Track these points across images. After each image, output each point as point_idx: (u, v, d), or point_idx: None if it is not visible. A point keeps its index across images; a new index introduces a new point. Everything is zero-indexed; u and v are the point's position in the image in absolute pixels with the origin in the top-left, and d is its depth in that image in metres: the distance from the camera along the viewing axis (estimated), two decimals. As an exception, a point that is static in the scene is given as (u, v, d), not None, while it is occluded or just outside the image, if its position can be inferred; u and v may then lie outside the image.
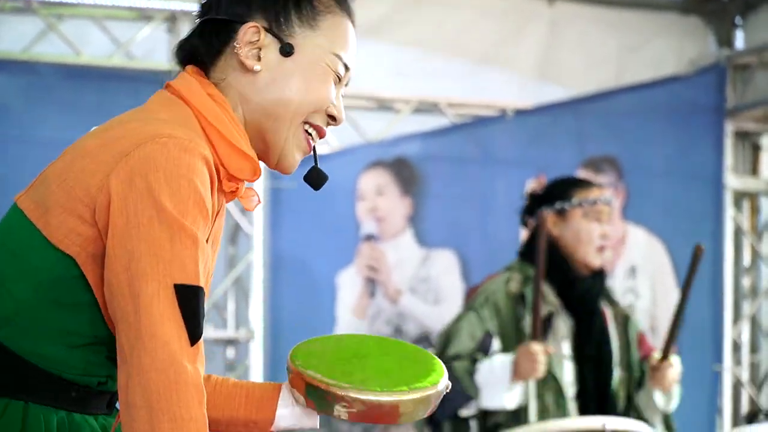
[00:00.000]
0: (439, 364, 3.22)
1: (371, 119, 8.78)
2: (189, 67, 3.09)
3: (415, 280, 8.63)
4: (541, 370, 5.99)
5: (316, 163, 3.17)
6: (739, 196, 9.54)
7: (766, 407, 9.26)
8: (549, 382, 6.25)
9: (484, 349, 6.24)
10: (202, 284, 2.88)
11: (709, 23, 9.52)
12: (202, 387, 2.86)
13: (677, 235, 9.19)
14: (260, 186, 8.13)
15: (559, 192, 6.46)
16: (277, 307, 8.41)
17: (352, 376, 3.17)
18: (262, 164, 3.05)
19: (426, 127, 8.82)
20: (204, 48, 3.08)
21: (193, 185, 2.87)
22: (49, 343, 3.00)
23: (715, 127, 9.29)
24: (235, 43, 3.02)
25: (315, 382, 3.16)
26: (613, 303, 6.60)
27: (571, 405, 6.29)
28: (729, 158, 9.34)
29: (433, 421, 6.35)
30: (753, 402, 9.40)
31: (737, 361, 9.44)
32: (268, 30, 3.05)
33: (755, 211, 9.64)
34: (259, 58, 3.04)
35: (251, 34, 3.03)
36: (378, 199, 8.68)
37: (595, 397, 6.34)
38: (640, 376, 6.50)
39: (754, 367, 9.56)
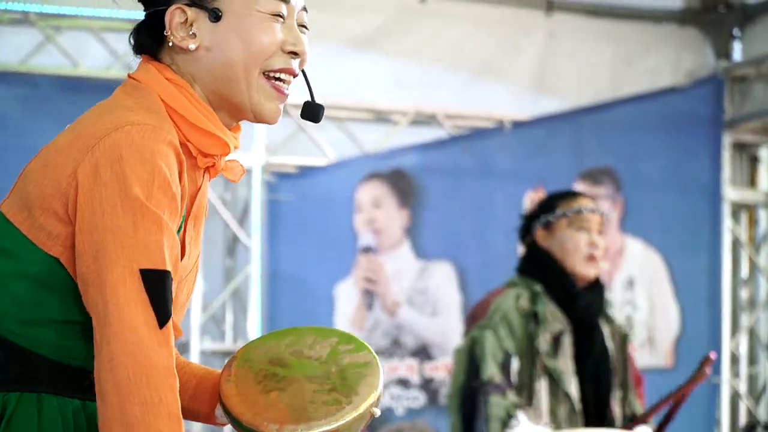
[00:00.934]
0: (368, 386, 3.15)
1: (368, 131, 8.83)
2: (144, 57, 3.09)
3: (413, 291, 8.70)
4: None
5: (312, 98, 3.19)
6: (737, 208, 9.56)
7: (764, 419, 9.30)
8: (561, 398, 6.24)
9: (507, 369, 6.17)
10: (168, 268, 2.89)
11: (706, 35, 9.57)
12: (173, 369, 2.87)
13: (675, 247, 9.24)
14: (258, 199, 8.22)
15: (546, 206, 6.41)
16: (275, 319, 8.45)
17: (267, 410, 3.13)
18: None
19: (423, 139, 8.85)
20: (147, 41, 3.08)
21: (157, 169, 2.89)
22: (52, 333, 3.01)
23: (712, 139, 9.30)
24: (165, 31, 3.03)
25: (236, 416, 3.15)
26: (610, 321, 6.49)
27: (580, 421, 6.22)
28: (727, 170, 9.34)
29: None
30: (751, 414, 9.42)
31: (735, 373, 9.46)
32: (192, 4, 3.04)
33: (753, 222, 9.65)
34: (193, 35, 3.04)
35: (178, 16, 3.04)
36: (375, 210, 8.71)
37: (595, 414, 6.29)
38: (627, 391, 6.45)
39: (752, 379, 9.57)
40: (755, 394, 9.60)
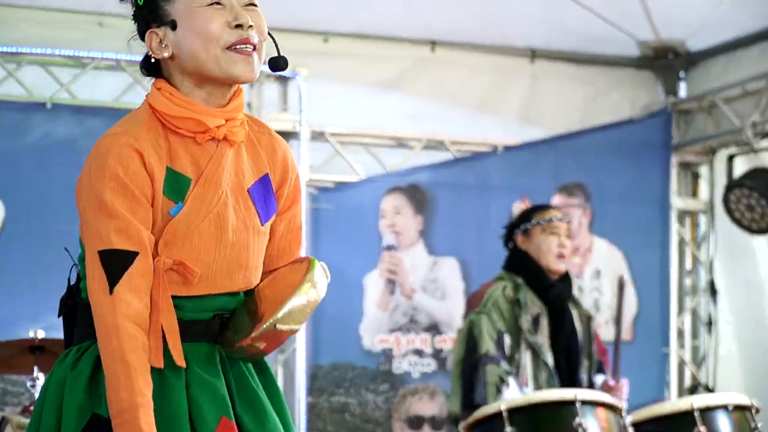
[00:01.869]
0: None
1: (390, 154, 8.73)
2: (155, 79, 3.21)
3: (426, 281, 8.60)
4: None
5: (278, 52, 3.22)
6: (682, 214, 9.50)
7: (704, 382, 9.22)
8: (541, 367, 6.27)
9: (500, 345, 6.22)
10: (117, 246, 3.00)
11: (658, 77, 9.48)
12: (123, 324, 2.98)
13: (633, 245, 9.17)
14: (304, 207, 7.68)
15: (524, 217, 6.49)
16: (318, 304, 8.20)
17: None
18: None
19: (434, 160, 8.76)
20: (147, 67, 3.22)
21: (110, 166, 2.98)
22: None
23: (662, 160, 9.24)
24: (148, 53, 3.18)
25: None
26: (578, 305, 6.57)
27: (558, 386, 6.25)
28: (674, 184, 9.29)
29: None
30: (694, 377, 9.35)
31: (681, 345, 9.41)
32: (158, 26, 3.13)
33: (695, 226, 9.57)
34: (166, 46, 3.11)
35: (153, 39, 3.14)
36: (396, 217, 8.61)
37: (568, 379, 6.32)
38: (599, 363, 6.47)
39: (694, 350, 9.50)
40: (697, 362, 9.50)
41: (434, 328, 8.67)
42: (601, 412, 5.70)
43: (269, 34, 3.16)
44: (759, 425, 5.81)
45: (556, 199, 8.95)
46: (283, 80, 8.06)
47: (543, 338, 6.32)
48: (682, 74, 9.49)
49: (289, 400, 7.25)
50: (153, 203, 3.06)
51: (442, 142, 8.80)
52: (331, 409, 8.34)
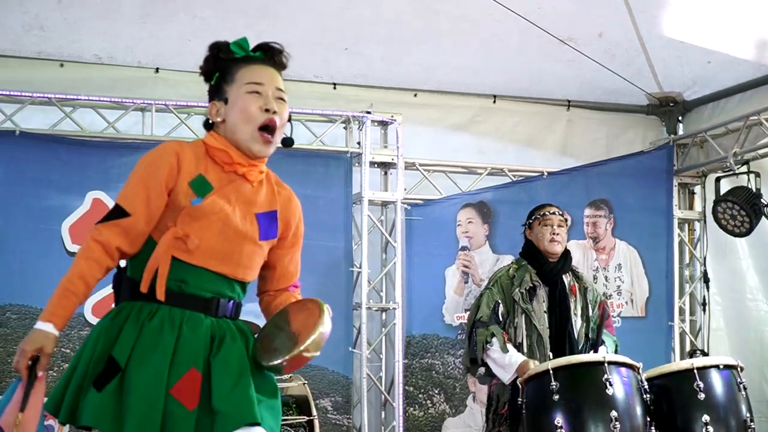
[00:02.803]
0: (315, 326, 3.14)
1: (464, 179, 8.59)
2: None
3: (491, 273, 8.01)
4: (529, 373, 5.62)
5: (291, 134, 3.30)
6: (682, 222, 9.31)
7: (701, 348, 9.05)
8: (532, 329, 6.01)
9: (495, 312, 5.99)
10: (120, 202, 3.10)
11: (662, 120, 9.32)
12: (93, 243, 3.08)
13: (645, 245, 9.00)
14: (400, 219, 7.91)
15: (529, 215, 6.28)
16: (411, 290, 8.12)
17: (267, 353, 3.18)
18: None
19: (496, 183, 8.63)
20: (206, 126, 3.32)
21: (154, 154, 3.13)
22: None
23: (667, 182, 9.03)
24: (208, 117, 3.29)
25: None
26: (578, 278, 6.24)
27: (548, 344, 5.98)
28: (675, 199, 9.12)
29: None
30: (692, 344, 9.18)
31: (682, 320, 9.21)
32: (217, 100, 3.26)
33: (691, 230, 9.36)
34: (219, 114, 3.23)
35: (212, 108, 3.27)
36: (469, 225, 8.44)
37: (556, 338, 6.03)
38: (597, 325, 6.18)
39: (692, 324, 9.28)
40: (694, 333, 9.33)
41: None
42: (623, 370, 5.52)
43: (289, 119, 3.26)
44: (744, 381, 5.72)
45: (587, 211, 8.78)
46: (384, 124, 7.91)
47: (538, 306, 6.00)
48: (680, 118, 9.35)
49: (389, 362, 7.82)
50: (174, 189, 3.16)
51: (502, 169, 8.64)
52: (422, 368, 8.14)
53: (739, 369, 5.79)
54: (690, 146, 9.14)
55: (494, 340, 5.88)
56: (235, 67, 3.24)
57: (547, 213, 6.16)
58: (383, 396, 7.75)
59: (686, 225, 9.39)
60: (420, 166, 8.30)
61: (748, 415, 5.57)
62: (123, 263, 3.28)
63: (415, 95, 8.37)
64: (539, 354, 5.90)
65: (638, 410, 5.44)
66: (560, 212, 6.23)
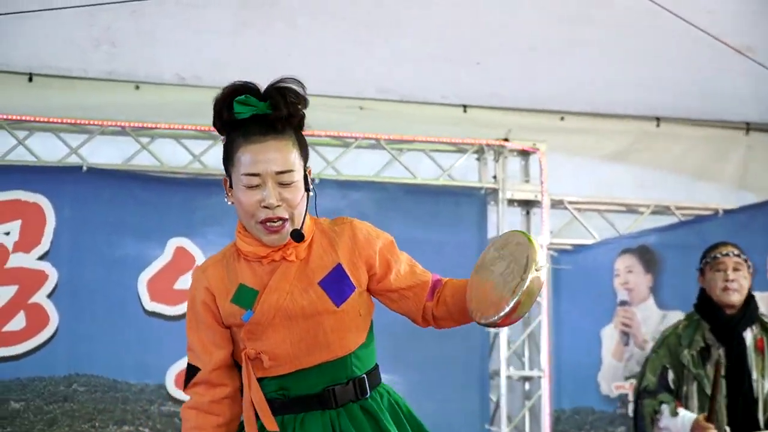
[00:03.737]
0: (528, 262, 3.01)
1: (622, 219, 8.03)
2: None
3: (657, 332, 7.56)
4: None
5: (302, 226, 3.09)
6: None
7: None
8: (705, 397, 5.77)
9: (663, 379, 5.87)
10: (190, 360, 3.17)
11: None
12: (191, 407, 3.16)
13: None
14: (544, 267, 7.42)
15: (701, 258, 6.11)
16: (559, 354, 7.69)
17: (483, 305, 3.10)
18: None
19: (661, 224, 8.05)
20: None
21: (190, 298, 3.18)
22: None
23: None
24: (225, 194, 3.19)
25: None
26: (766, 327, 5.96)
27: (724, 416, 5.75)
28: None
29: None
30: None
31: None
32: (227, 177, 3.14)
33: None
34: (229, 198, 3.15)
35: (225, 185, 3.14)
36: (628, 275, 7.85)
37: (742, 408, 5.78)
38: None
39: None
40: None
41: (665, 375, 7.89)
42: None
43: (312, 188, 3.13)
44: None
45: (770, 255, 8.41)
46: (525, 154, 7.57)
47: (713, 369, 5.74)
48: None
49: (535, 441, 7.54)
50: (221, 317, 3.14)
51: (668, 207, 8.05)
52: (574, 449, 7.82)
53: None
54: None
55: (663, 407, 5.74)
56: (237, 140, 3.08)
57: (719, 255, 5.98)
58: (527, 481, 7.56)
59: None
60: (569, 204, 7.86)
61: None
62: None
63: (562, 119, 8.01)
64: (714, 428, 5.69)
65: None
66: (736, 252, 6.02)
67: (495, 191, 7.34)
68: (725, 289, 5.85)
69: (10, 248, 6.38)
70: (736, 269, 5.89)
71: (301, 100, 3.08)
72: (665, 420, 5.72)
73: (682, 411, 5.69)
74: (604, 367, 7.78)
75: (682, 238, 7.93)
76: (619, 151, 8.17)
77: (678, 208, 8.07)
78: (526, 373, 7.51)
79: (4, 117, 6.54)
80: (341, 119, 7.21)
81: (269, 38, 6.76)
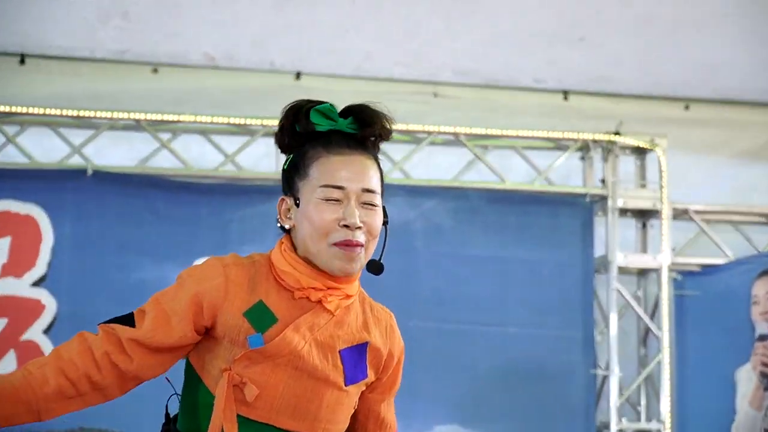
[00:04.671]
0: None
1: (762, 232, 7.49)
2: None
3: None
4: None
5: (379, 259, 2.99)
6: None
7: None
8: None
9: None
10: (136, 317, 2.93)
11: None
12: (82, 344, 2.94)
13: None
14: (666, 294, 7.22)
15: None
16: (684, 401, 7.24)
17: None
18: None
19: None
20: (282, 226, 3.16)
21: (195, 275, 2.97)
22: None
23: None
24: (277, 216, 3.15)
25: None
26: None
27: None
28: None
29: None
30: None
31: None
32: (288, 196, 3.04)
33: None
34: (290, 218, 3.03)
35: (282, 204, 3.04)
36: None
37: None
38: None
39: None
40: None
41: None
42: None
43: (385, 222, 2.98)
44: None
45: None
46: (641, 152, 7.27)
47: None
48: None
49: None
50: (218, 320, 2.95)
51: None
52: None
53: None
54: None
55: None
56: (312, 151, 2.99)
57: None
58: None
59: None
60: (695, 214, 7.39)
61: None
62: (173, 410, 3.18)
63: (687, 107, 7.59)
64: None
65: None
66: None
67: (603, 198, 7.08)
68: None
69: (-2, 272, 6.61)
70: None
71: (391, 122, 2.99)
72: None
73: None
74: (740, 417, 7.20)
75: (837, 256, 7.58)
76: (758, 147, 7.70)
77: None
78: (643, 425, 7.19)
79: (-9, 108, 6.69)
80: (410, 109, 6.96)
81: (321, 11, 6.69)
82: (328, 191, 2.92)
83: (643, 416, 7.18)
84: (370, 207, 2.94)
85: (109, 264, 6.38)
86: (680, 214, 7.35)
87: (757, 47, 7.23)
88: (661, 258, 7.15)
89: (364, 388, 3.14)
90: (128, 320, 2.99)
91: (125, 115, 6.56)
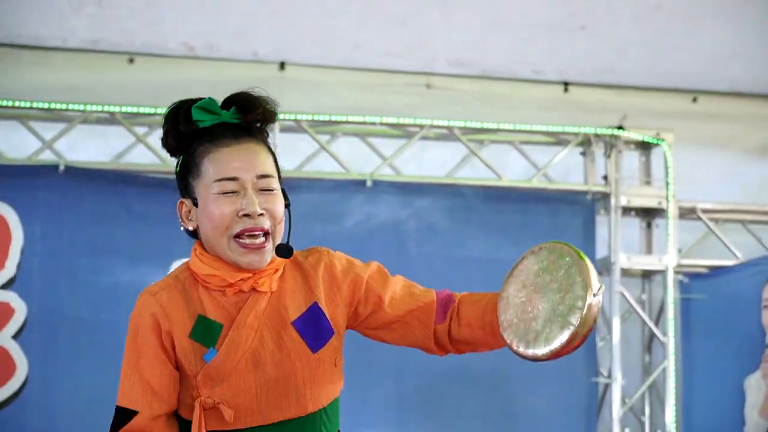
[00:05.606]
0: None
1: None
2: None
3: None
4: None
5: (287, 242, 3.05)
6: None
7: None
8: None
9: None
10: (121, 403, 2.98)
11: None
12: None
13: None
14: (672, 298, 7.18)
15: None
16: (690, 411, 7.19)
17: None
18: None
19: None
20: (188, 231, 3.16)
21: (133, 327, 3.03)
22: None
23: None
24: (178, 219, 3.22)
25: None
26: None
27: None
28: None
29: None
30: None
31: None
32: (186, 198, 3.06)
33: None
34: (191, 220, 3.06)
35: (182, 208, 3.08)
36: None
37: None
38: None
39: None
40: None
41: (826, 434, 7.56)
42: None
43: (287, 206, 3.03)
44: None
45: None
46: (646, 148, 7.19)
47: None
48: None
49: None
50: (175, 351, 2.99)
51: None
52: None
53: None
54: None
55: None
56: (200, 148, 3.00)
57: None
58: None
59: None
60: (703, 213, 7.32)
61: None
62: None
63: (694, 100, 7.57)
64: None
65: None
66: None
67: (606, 196, 7.00)
68: None
69: (-37, 275, 6.63)
70: None
71: (273, 105, 3.03)
72: None
73: None
74: (749, 428, 6.56)
75: None
76: (768, 142, 7.69)
77: None
78: (647, 435, 7.31)
79: (-46, 101, 6.63)
80: (402, 101, 6.96)
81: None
82: (222, 184, 2.96)
83: (647, 426, 7.11)
84: (268, 192, 3.01)
85: (81, 266, 6.33)
86: (687, 213, 7.27)
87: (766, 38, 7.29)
88: (667, 259, 7.06)
89: (340, 338, 3.14)
90: (125, 416, 2.98)
91: (99, 108, 6.49)
